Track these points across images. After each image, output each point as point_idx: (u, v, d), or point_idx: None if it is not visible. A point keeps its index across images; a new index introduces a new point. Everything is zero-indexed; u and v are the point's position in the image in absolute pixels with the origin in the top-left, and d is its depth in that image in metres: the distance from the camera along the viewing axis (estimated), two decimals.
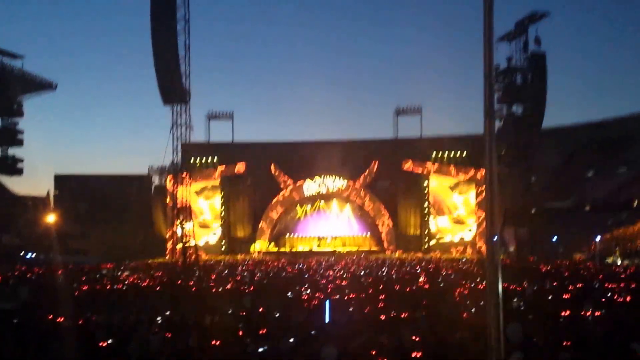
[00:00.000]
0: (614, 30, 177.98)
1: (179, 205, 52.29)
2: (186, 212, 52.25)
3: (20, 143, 72.05)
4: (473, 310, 18.40)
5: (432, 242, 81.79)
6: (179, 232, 56.23)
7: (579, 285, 27.83)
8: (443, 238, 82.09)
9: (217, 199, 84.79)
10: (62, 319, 17.84)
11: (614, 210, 70.76)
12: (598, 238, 61.80)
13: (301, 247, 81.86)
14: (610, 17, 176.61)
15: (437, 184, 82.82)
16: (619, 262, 52.58)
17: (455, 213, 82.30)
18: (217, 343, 14.81)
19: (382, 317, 18.57)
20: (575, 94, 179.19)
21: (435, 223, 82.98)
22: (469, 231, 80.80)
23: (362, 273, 40.64)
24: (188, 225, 52.68)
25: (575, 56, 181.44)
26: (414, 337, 14.75)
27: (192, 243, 51.39)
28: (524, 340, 14.27)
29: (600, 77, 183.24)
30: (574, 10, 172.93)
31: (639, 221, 63.75)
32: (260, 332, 15.78)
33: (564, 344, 13.71)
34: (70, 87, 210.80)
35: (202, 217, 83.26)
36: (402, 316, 18.31)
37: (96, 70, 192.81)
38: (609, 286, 26.87)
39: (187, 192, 53.07)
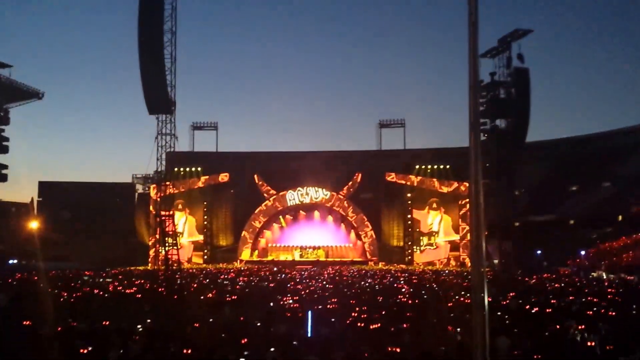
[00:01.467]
0: (598, 46, 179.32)
1: (162, 213, 51.85)
2: (169, 220, 51.85)
3: (5, 150, 71.55)
4: (458, 325, 18.23)
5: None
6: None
7: (565, 299, 27.75)
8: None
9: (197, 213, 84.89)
10: (42, 325, 17.61)
11: (598, 224, 70.93)
12: (583, 252, 61.83)
13: (284, 257, 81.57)
14: (594, 33, 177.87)
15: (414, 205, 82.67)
16: (604, 277, 52.47)
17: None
18: (198, 352, 14.63)
19: (365, 328, 18.39)
20: (559, 109, 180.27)
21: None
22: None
23: (344, 284, 40.47)
24: (171, 233, 52.34)
25: (559, 72, 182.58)
26: (397, 349, 14.59)
27: (174, 251, 50.93)
28: (510, 354, 14.17)
29: (583, 93, 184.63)
30: (558, 26, 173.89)
31: (624, 236, 63.77)
32: (242, 342, 15.59)
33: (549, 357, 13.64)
34: (56, 97, 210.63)
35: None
36: (386, 328, 18.14)
37: (82, 80, 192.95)
38: (595, 300, 26.80)
39: (170, 200, 52.80)
